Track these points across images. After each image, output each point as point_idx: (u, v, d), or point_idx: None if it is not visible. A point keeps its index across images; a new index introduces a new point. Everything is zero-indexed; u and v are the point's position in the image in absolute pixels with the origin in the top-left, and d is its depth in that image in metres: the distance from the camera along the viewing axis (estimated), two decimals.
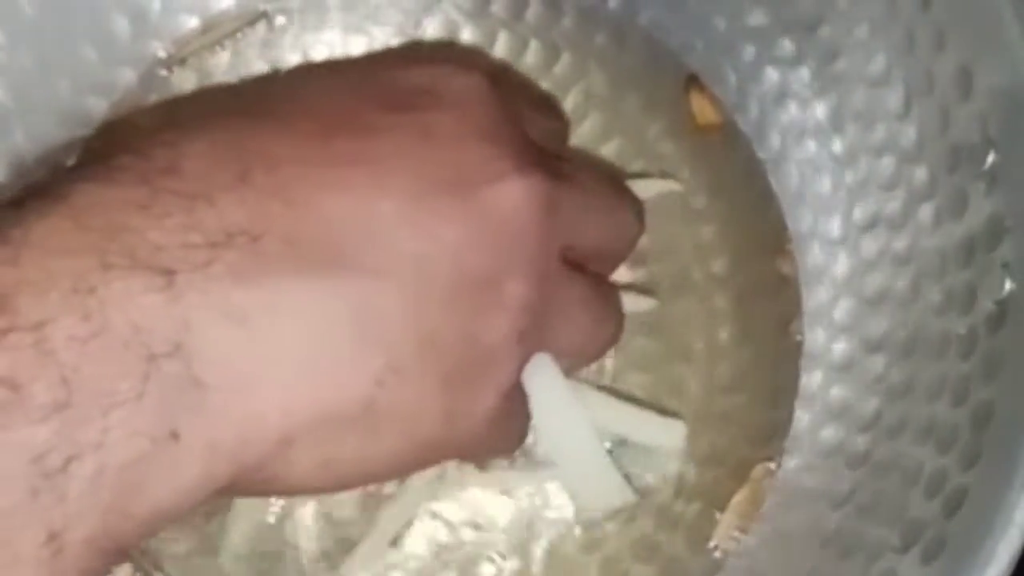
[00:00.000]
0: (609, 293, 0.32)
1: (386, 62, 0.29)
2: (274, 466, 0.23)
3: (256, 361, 0.22)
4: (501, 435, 0.29)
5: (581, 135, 0.38)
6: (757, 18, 0.37)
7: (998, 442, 0.29)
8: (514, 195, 0.26)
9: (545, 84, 0.38)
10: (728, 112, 0.38)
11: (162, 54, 0.38)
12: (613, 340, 0.32)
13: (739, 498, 0.35)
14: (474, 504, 0.35)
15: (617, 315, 0.32)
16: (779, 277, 0.37)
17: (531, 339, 0.27)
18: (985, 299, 0.31)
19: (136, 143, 0.24)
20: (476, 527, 0.35)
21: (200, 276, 0.22)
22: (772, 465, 0.36)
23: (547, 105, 0.38)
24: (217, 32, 0.38)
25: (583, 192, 0.29)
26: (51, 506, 0.20)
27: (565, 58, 0.38)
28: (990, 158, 0.31)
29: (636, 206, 0.33)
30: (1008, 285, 0.30)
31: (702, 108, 0.38)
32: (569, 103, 0.38)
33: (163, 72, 0.38)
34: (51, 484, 0.20)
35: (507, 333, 0.26)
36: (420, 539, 0.35)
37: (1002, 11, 0.30)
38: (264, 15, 0.38)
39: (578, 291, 0.30)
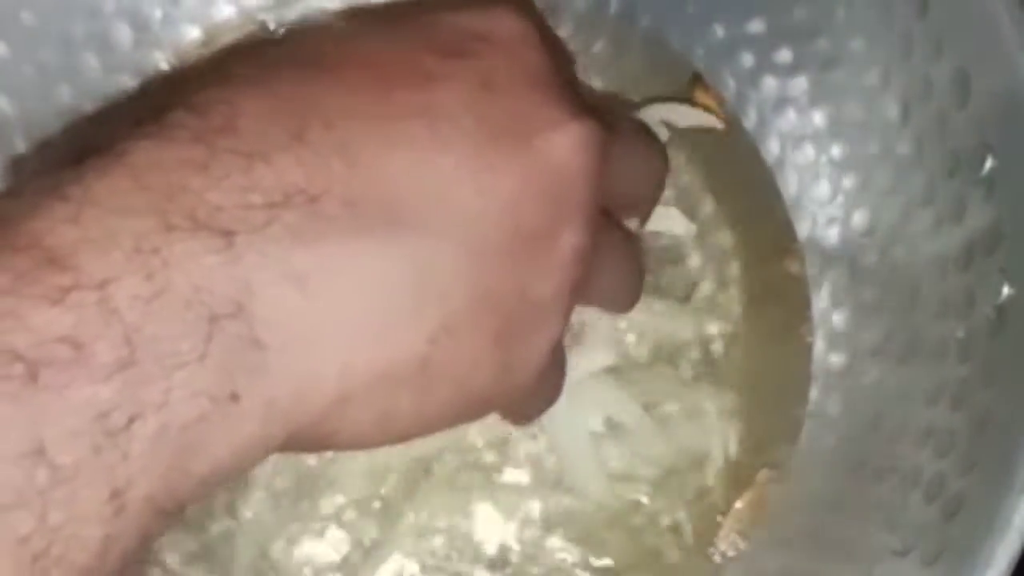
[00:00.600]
0: (639, 247, 0.33)
1: (437, 4, 0.28)
2: (330, 424, 0.23)
3: (315, 322, 0.22)
4: (546, 388, 0.29)
5: None
6: (756, 26, 0.37)
7: (996, 446, 0.29)
8: (568, 142, 0.26)
9: None
10: (732, 110, 0.38)
11: (163, 64, 0.38)
12: (638, 296, 0.32)
13: (742, 503, 0.35)
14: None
15: (644, 270, 0.32)
16: (788, 277, 0.37)
17: (580, 290, 0.27)
18: (983, 304, 0.31)
19: (191, 99, 0.23)
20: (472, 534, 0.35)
21: (259, 237, 0.22)
22: (777, 471, 0.36)
23: (571, 54, 0.37)
24: (218, 42, 0.38)
25: (624, 140, 0.29)
26: (114, 464, 0.20)
27: None
28: (988, 164, 0.31)
29: (664, 151, 0.33)
30: (1006, 290, 0.30)
31: (707, 107, 0.38)
32: None
33: None
34: (114, 442, 0.20)
35: (560, 285, 0.26)
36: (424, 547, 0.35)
37: (999, 16, 0.30)
38: (264, 25, 0.38)
39: (618, 242, 0.30)
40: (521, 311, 0.26)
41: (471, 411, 0.27)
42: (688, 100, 0.38)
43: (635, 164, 0.30)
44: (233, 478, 0.23)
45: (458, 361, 0.25)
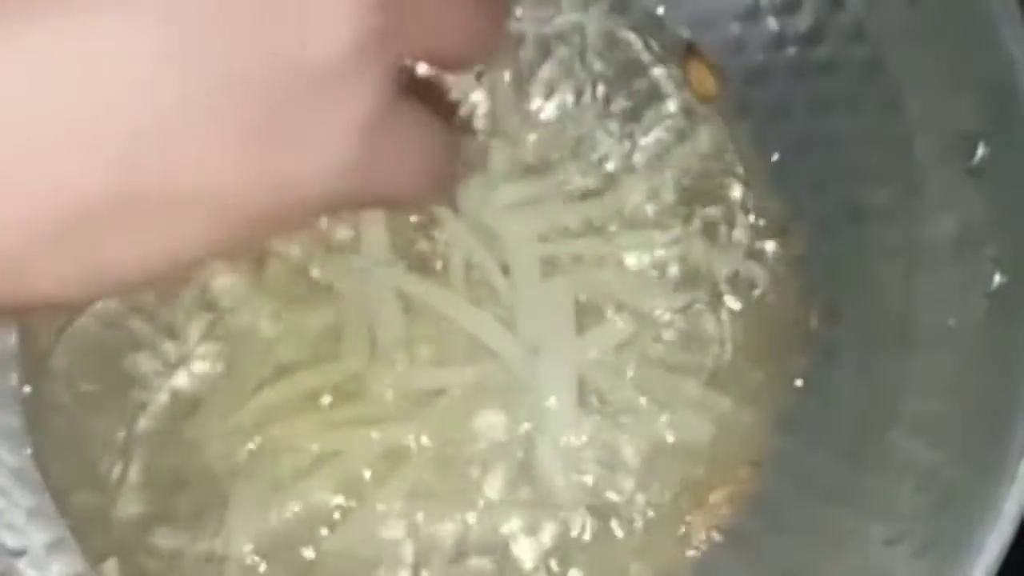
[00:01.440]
0: None
1: None
2: (24, 281, 0.19)
3: None
4: (389, 179, 0.22)
5: None
6: None
7: (988, 436, 0.29)
8: None
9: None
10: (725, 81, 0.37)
11: None
12: (488, 31, 0.24)
13: (717, 497, 0.35)
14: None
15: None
16: (790, 258, 0.37)
17: (386, 45, 0.20)
18: (975, 292, 0.31)
19: None
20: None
21: None
22: (759, 468, 0.35)
23: None
24: None
25: None
26: None
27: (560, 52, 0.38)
28: (979, 152, 0.31)
29: None
30: (998, 278, 0.30)
31: (701, 79, 0.37)
32: None
33: None
34: None
35: (352, 40, 0.19)
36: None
37: (992, 5, 0.30)
38: None
39: None
40: (291, 90, 0.19)
41: (252, 230, 0.20)
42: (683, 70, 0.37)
43: None
44: None
45: (196, 175, 0.19)
